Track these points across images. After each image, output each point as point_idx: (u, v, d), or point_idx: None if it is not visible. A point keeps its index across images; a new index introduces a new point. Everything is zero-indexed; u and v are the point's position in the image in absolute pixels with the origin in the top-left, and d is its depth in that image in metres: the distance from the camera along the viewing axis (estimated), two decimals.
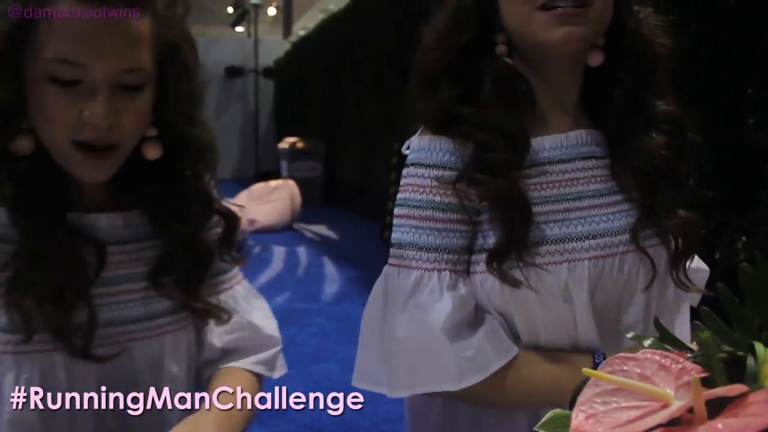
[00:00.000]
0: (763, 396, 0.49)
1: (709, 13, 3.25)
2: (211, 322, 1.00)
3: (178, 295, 0.95)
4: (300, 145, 10.44)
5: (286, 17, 16.72)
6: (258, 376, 1.04)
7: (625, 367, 0.59)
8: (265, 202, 8.22)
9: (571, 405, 0.62)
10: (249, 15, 15.23)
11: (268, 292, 5.50)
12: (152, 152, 0.92)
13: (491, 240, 0.91)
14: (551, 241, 0.90)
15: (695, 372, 0.55)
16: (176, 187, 0.95)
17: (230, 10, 15.60)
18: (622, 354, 0.63)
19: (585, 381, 0.62)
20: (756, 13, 3.05)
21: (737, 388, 0.51)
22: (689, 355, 0.60)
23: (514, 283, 0.88)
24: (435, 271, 0.90)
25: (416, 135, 0.98)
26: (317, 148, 10.46)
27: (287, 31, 16.77)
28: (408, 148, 0.98)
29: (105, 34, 0.81)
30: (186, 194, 0.96)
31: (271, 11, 15.49)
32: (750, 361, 0.56)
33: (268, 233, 7.91)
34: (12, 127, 0.85)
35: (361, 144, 8.97)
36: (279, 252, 6.95)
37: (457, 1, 0.94)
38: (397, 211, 0.95)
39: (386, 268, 0.95)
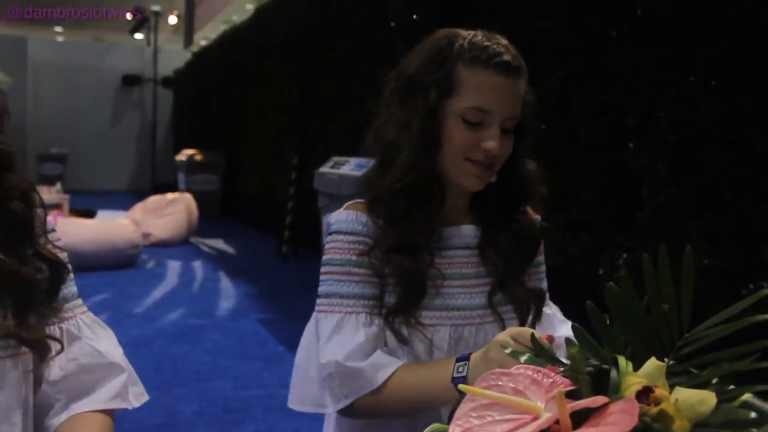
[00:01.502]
0: (621, 406, 0.53)
1: (595, 43, 3.42)
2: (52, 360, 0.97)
3: (8, 327, 0.91)
4: (198, 157, 10.26)
5: (188, 27, 16.42)
6: (110, 413, 1.01)
7: (500, 382, 0.63)
8: (161, 216, 8.03)
9: (449, 419, 0.65)
10: (149, 22, 14.86)
11: (162, 308, 5.38)
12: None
13: (390, 299, 1.17)
14: (427, 308, 1.18)
15: (564, 386, 0.58)
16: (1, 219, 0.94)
17: (129, 16, 15.17)
18: (497, 370, 0.66)
19: (461, 397, 0.65)
20: (635, 45, 3.24)
21: (599, 400, 0.55)
22: (560, 369, 0.63)
23: (398, 336, 1.16)
24: (353, 313, 1.15)
25: (339, 210, 1.23)
26: (216, 161, 10.31)
27: (188, 40, 16.47)
28: (332, 220, 1.24)
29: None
30: (11, 227, 0.94)
31: (172, 20, 15.16)
32: (613, 373, 0.60)
33: (164, 247, 7.72)
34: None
35: (261, 158, 8.90)
36: (174, 266, 6.78)
37: (422, 128, 1.16)
38: (322, 269, 1.20)
39: (314, 314, 1.18)
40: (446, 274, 1.20)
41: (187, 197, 8.33)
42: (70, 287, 1.04)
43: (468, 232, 1.24)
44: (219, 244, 8.26)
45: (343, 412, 1.15)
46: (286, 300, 5.42)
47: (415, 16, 4.97)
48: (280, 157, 7.97)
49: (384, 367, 1.11)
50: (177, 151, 11.77)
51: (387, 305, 1.17)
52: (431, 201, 1.19)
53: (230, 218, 10.21)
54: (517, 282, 1.24)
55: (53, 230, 1.02)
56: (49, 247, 0.99)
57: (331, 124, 6.58)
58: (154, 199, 8.28)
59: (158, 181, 13.86)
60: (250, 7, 12.91)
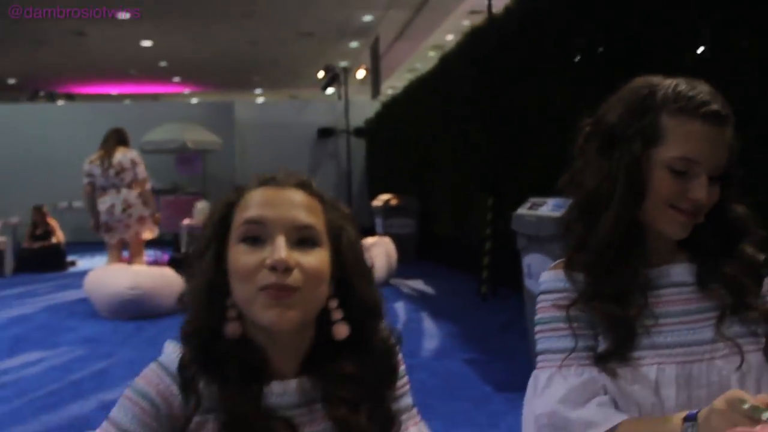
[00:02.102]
0: None
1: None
2: None
3: None
4: (394, 202, 10.59)
5: (375, 78, 17.14)
6: None
7: None
8: None
9: None
10: (339, 78, 15.70)
11: None
12: (341, 331, 1.06)
13: (602, 346, 1.19)
14: (645, 347, 1.17)
15: None
16: (354, 368, 1.07)
17: (321, 74, 16.13)
18: (740, 428, 0.66)
19: None
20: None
21: None
22: None
23: (617, 379, 1.15)
24: (564, 366, 1.18)
25: (546, 271, 1.28)
26: (411, 205, 10.59)
27: (376, 91, 17.18)
28: (540, 281, 1.29)
29: (280, 202, 1.04)
30: (366, 375, 1.07)
31: (360, 74, 15.91)
32: None
33: None
34: (222, 309, 1.03)
35: (456, 200, 9.04)
36: None
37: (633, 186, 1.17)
38: (535, 329, 1.25)
39: (534, 371, 1.23)
40: (662, 312, 1.19)
41: (386, 240, 8.62)
42: (406, 399, 1.15)
43: (680, 269, 1.23)
44: (419, 285, 8.46)
45: None
46: (489, 340, 5.45)
47: (600, 49, 4.91)
48: (473, 199, 8.06)
49: (595, 425, 1.10)
50: (372, 197, 12.22)
51: (601, 352, 1.19)
52: (636, 248, 1.19)
53: (427, 259, 10.41)
54: (750, 307, 1.19)
55: (404, 375, 1.16)
56: (392, 407, 1.11)
57: (524, 164, 6.59)
58: None
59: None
60: (432, 54, 13.28)
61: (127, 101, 21.47)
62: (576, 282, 1.21)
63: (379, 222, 10.71)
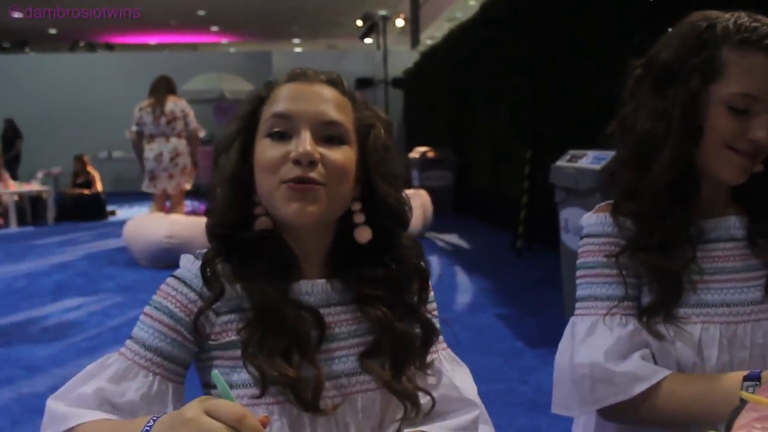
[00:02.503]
0: None
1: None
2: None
3: (384, 377, 1.01)
4: (431, 154, 10.52)
5: (414, 28, 16.91)
6: None
7: None
8: None
9: (728, 429, 0.63)
10: (378, 27, 15.51)
11: None
12: (363, 235, 1.03)
13: (646, 298, 1.13)
14: (691, 305, 1.12)
15: None
16: (385, 273, 1.04)
17: (359, 23, 15.94)
18: None
19: (742, 405, 0.62)
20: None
21: None
22: None
23: (658, 336, 1.10)
24: (608, 315, 1.12)
25: (590, 213, 1.20)
26: (448, 158, 10.51)
27: (415, 41, 16.96)
28: (583, 224, 1.22)
29: (309, 96, 1.01)
30: (395, 284, 1.05)
31: (399, 22, 15.71)
32: None
33: None
34: (248, 205, 1.01)
35: (493, 153, 8.94)
36: None
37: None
38: (577, 273, 1.19)
39: (572, 317, 1.18)
40: (710, 268, 1.14)
41: (422, 193, 8.59)
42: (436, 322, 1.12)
43: (733, 223, 1.16)
44: (453, 239, 8.44)
45: (602, 413, 1.13)
46: (523, 295, 5.42)
47: None
48: (511, 152, 7.96)
49: (642, 380, 1.06)
50: (410, 149, 12.16)
51: (645, 305, 1.13)
52: (690, 195, 1.13)
53: (463, 214, 10.36)
54: None
55: (433, 300, 1.13)
56: (427, 315, 1.08)
57: (563, 116, 6.46)
58: None
59: None
60: (473, 3, 13.03)
61: (166, 51, 21.52)
62: (623, 228, 1.15)
63: (415, 174, 10.66)
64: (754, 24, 1.07)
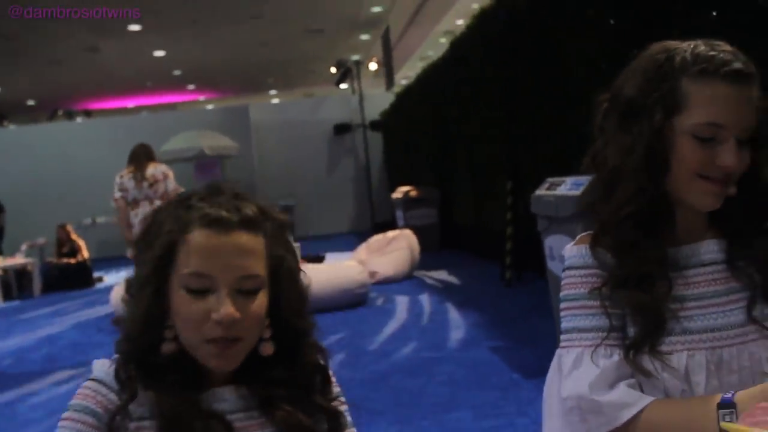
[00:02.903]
0: None
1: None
2: None
3: None
4: (413, 193, 10.55)
5: (388, 70, 17.07)
6: None
7: None
8: (384, 254, 8.34)
9: None
10: (352, 72, 15.66)
11: (395, 343, 5.55)
12: (267, 350, 1.08)
13: (630, 329, 1.13)
14: (676, 333, 1.11)
15: None
16: (289, 375, 1.10)
17: (333, 70, 16.10)
18: (765, 404, 0.61)
19: None
20: None
21: None
22: None
23: (645, 373, 1.09)
24: (592, 347, 1.12)
25: (571, 244, 1.20)
26: (431, 195, 10.54)
27: (390, 82, 17.12)
28: (565, 255, 1.22)
29: (226, 252, 1.02)
30: (299, 383, 1.11)
31: (372, 66, 15.89)
32: None
33: (390, 284, 8.00)
34: (160, 333, 1.05)
35: (475, 186, 8.97)
36: (402, 302, 7.00)
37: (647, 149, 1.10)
38: (561, 306, 1.20)
39: (558, 350, 1.17)
40: (692, 294, 1.13)
41: (408, 233, 8.59)
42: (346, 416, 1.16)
43: (711, 247, 1.16)
44: (442, 275, 8.41)
45: None
46: (516, 326, 5.39)
47: (612, 21, 4.80)
48: (493, 185, 7.99)
49: (628, 406, 1.06)
50: (392, 189, 12.21)
51: (630, 336, 1.13)
52: (661, 225, 1.13)
53: (451, 249, 10.36)
54: None
55: (337, 386, 1.17)
56: (334, 403, 1.14)
57: (540, 146, 6.51)
58: (376, 239, 8.63)
59: (377, 219, 14.43)
60: (443, 41, 13.19)
61: (144, 113, 21.63)
62: (602, 261, 1.16)
63: (399, 214, 10.69)
64: (711, 53, 1.07)
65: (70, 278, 10.50)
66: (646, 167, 1.09)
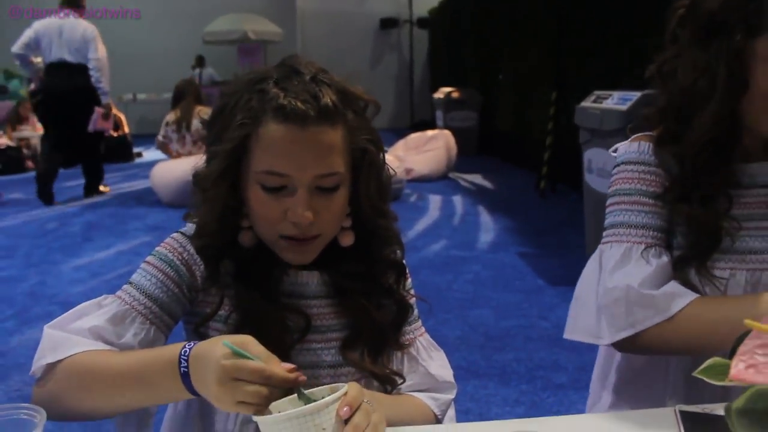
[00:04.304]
0: None
1: None
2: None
3: (363, 364, 1.07)
4: (455, 95, 10.42)
5: None
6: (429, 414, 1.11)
7: None
8: (421, 152, 8.35)
9: (731, 354, 0.65)
10: None
11: (425, 239, 5.65)
12: (346, 240, 1.06)
13: (676, 242, 1.13)
14: (720, 251, 1.11)
15: None
16: (366, 268, 1.08)
17: None
18: None
19: (747, 332, 0.65)
20: None
21: None
22: None
23: (688, 285, 1.09)
24: (642, 243, 1.10)
25: (626, 142, 1.18)
26: (473, 98, 10.41)
27: None
28: (615, 151, 1.20)
29: (304, 149, 0.96)
30: (374, 276, 1.09)
31: None
32: None
33: (425, 182, 8.04)
34: (236, 224, 1.02)
35: (518, 94, 8.84)
36: (435, 201, 7.06)
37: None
38: (609, 201, 1.17)
39: (600, 246, 1.15)
40: (741, 215, 1.12)
41: (446, 134, 8.56)
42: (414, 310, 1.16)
43: (766, 170, 1.14)
44: (477, 179, 8.42)
45: (620, 345, 1.11)
46: (544, 235, 5.45)
47: None
48: (536, 93, 7.87)
49: (679, 296, 1.06)
50: (434, 89, 12.05)
51: (677, 247, 1.13)
52: (731, 145, 1.11)
53: (487, 154, 10.31)
54: None
55: (408, 278, 1.16)
56: (402, 293, 1.13)
57: (589, 57, 6.37)
58: (415, 137, 8.62)
59: (416, 118, 14.34)
60: None
61: None
62: (665, 163, 1.14)
63: (439, 115, 10.60)
64: None
65: (111, 151, 10.66)
66: (725, 92, 1.05)
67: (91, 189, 7.43)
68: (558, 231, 5.52)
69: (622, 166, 1.17)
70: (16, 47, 6.59)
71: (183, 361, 0.85)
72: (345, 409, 0.79)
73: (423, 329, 1.17)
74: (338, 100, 0.98)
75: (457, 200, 7.11)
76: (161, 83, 12.63)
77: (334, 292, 1.07)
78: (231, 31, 13.75)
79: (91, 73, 6.56)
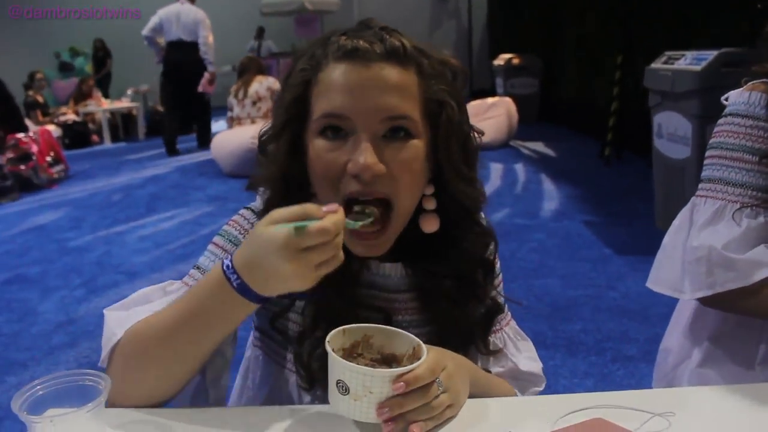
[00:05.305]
0: None
1: None
2: None
3: None
4: (516, 61, 10.20)
5: None
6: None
7: None
8: (483, 119, 8.21)
9: None
10: None
11: (487, 208, 5.49)
12: (430, 225, 0.93)
13: None
14: None
15: None
16: (452, 266, 0.97)
17: None
18: None
19: None
20: None
21: None
22: None
23: None
24: (737, 203, 1.06)
25: (739, 90, 1.12)
26: (534, 64, 10.18)
27: None
28: (726, 100, 1.14)
29: (366, 87, 0.85)
30: (461, 276, 0.98)
31: None
32: None
33: (485, 150, 7.89)
34: (303, 195, 0.90)
35: (580, 59, 8.60)
36: (496, 169, 6.95)
37: None
38: (709, 152, 1.12)
39: (693, 198, 1.11)
40: None
41: (507, 101, 8.40)
42: (499, 298, 1.08)
43: None
44: (539, 147, 8.26)
45: (706, 301, 1.09)
46: (611, 203, 5.30)
47: None
48: (600, 58, 7.64)
49: (765, 266, 1.02)
50: (493, 56, 11.83)
51: None
52: None
53: (549, 121, 10.10)
54: None
55: (499, 274, 1.07)
56: (493, 293, 1.04)
57: (657, 17, 6.12)
58: (475, 104, 8.48)
59: (476, 86, 14.13)
60: None
61: None
62: None
63: (499, 82, 10.40)
64: None
65: None
66: None
67: (203, 140, 8.73)
68: (625, 199, 5.36)
69: (729, 118, 1.12)
70: (146, 30, 8.25)
71: (231, 275, 0.79)
72: (400, 384, 0.76)
73: (509, 316, 1.10)
74: (411, 47, 0.89)
75: (519, 168, 6.98)
76: (220, 56, 12.75)
77: (416, 286, 0.98)
78: (288, 2, 13.72)
79: (201, 48, 8.09)
